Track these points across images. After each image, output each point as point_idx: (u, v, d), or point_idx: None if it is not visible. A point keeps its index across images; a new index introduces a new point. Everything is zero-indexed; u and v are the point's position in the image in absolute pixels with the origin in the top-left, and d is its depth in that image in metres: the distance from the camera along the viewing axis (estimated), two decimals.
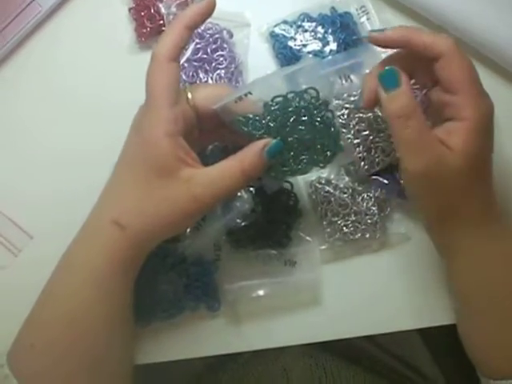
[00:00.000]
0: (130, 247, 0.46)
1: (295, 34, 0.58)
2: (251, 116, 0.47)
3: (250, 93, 0.47)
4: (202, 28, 0.57)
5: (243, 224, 0.54)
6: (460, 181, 0.45)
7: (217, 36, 0.58)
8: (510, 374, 0.48)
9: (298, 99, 0.47)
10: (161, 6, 0.58)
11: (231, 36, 0.58)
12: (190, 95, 0.47)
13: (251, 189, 0.55)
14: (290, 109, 0.47)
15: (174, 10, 0.57)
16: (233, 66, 0.57)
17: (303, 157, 0.48)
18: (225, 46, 0.58)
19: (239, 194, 0.55)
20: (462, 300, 0.51)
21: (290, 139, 0.47)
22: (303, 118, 0.47)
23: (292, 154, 0.47)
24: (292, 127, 0.47)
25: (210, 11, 0.47)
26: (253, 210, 0.54)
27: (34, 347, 0.46)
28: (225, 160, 0.46)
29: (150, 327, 0.55)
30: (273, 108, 0.47)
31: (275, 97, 0.47)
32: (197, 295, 0.55)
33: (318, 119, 0.47)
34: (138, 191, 0.45)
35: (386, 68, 0.45)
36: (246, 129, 0.47)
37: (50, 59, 0.60)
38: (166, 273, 0.54)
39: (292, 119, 0.47)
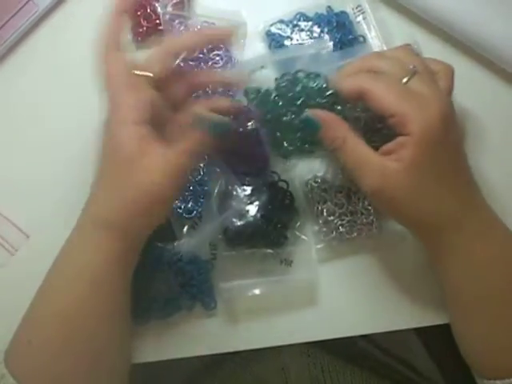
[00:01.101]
0: (117, 241, 0.46)
1: (291, 33, 0.58)
2: (262, 89, 0.48)
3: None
4: (198, 27, 0.57)
5: (239, 223, 0.54)
6: (418, 190, 0.45)
7: None
8: (503, 374, 0.48)
9: (306, 80, 0.48)
10: (157, 5, 0.58)
11: None
12: (148, 74, 0.48)
13: (247, 188, 0.55)
14: (297, 88, 0.48)
15: (170, 9, 0.57)
16: (229, 65, 0.57)
17: (309, 138, 0.49)
18: (221, 45, 0.58)
19: (235, 193, 0.55)
20: (451, 300, 0.51)
21: (296, 120, 0.48)
22: (311, 101, 0.48)
23: (299, 134, 0.48)
24: (299, 107, 0.48)
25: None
26: (249, 210, 0.54)
27: (31, 344, 0.46)
28: (175, 144, 0.47)
29: (147, 326, 0.55)
30: (281, 85, 0.47)
31: (284, 74, 0.48)
32: (193, 294, 0.55)
33: (325, 102, 0.49)
34: (110, 187, 0.47)
35: (301, 118, 0.49)
36: (254, 100, 0.48)
37: (46, 59, 0.60)
38: (162, 271, 0.54)
39: (300, 100, 0.48)
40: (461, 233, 0.47)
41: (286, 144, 0.49)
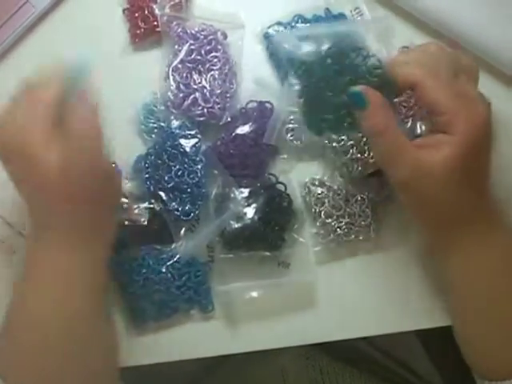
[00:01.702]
0: (72, 238, 0.46)
1: None
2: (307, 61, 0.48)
3: None
4: (196, 29, 0.57)
5: (237, 225, 0.54)
6: (449, 191, 0.45)
7: (211, 37, 0.57)
8: (504, 375, 0.48)
9: (354, 56, 0.48)
10: (155, 7, 0.58)
11: (225, 37, 0.58)
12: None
13: (245, 190, 0.55)
14: (346, 62, 0.47)
15: (167, 11, 0.57)
16: (227, 67, 0.57)
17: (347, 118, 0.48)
18: (219, 47, 0.57)
19: (232, 195, 0.55)
20: (454, 300, 0.51)
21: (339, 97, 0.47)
22: (360, 79, 0.47)
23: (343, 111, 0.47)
24: (346, 83, 0.47)
25: None
26: (246, 212, 0.54)
27: (4, 349, 0.46)
28: None
29: (144, 328, 0.55)
30: (328, 58, 0.47)
31: (330, 47, 0.48)
32: (190, 296, 0.55)
33: (374, 82, 0.47)
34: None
35: (351, 91, 0.46)
36: (299, 70, 0.48)
37: (43, 60, 0.60)
38: (160, 274, 0.54)
39: (348, 78, 0.47)
40: (471, 232, 0.47)
41: (322, 119, 0.47)
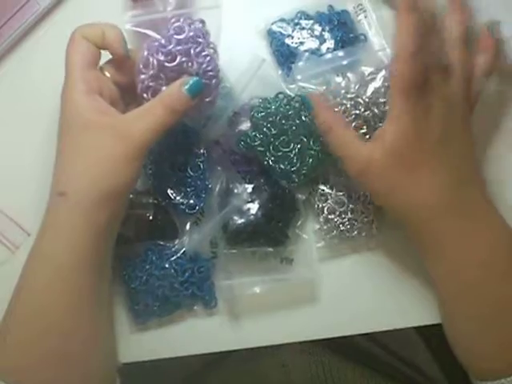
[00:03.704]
0: (79, 214, 0.46)
1: (292, 31, 0.57)
2: (250, 133, 0.53)
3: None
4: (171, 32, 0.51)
5: (240, 221, 0.54)
6: (398, 174, 0.47)
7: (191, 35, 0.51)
8: (494, 375, 0.48)
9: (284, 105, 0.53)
10: None
11: (204, 24, 0.53)
12: (107, 73, 0.51)
13: (248, 186, 0.55)
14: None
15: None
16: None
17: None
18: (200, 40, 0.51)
19: (236, 190, 0.55)
20: (439, 299, 0.52)
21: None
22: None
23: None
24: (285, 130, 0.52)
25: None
26: (250, 208, 0.54)
27: (6, 341, 0.47)
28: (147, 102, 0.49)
29: (147, 324, 0.55)
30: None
31: (259, 106, 0.53)
32: (193, 292, 0.55)
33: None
34: (69, 154, 0.47)
35: (302, 97, 0.53)
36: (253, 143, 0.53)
37: (48, 57, 0.60)
38: (163, 269, 0.54)
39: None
40: (446, 229, 0.47)
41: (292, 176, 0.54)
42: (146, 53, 0.50)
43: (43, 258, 0.47)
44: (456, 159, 0.48)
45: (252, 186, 0.55)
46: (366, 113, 0.53)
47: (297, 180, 0.53)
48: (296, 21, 0.58)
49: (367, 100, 0.53)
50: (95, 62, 0.50)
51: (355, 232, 0.55)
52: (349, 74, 0.55)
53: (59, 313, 0.47)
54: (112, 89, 0.51)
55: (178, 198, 0.55)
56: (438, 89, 0.47)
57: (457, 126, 0.48)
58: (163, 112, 0.47)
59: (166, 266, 0.54)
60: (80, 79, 0.47)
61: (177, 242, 0.55)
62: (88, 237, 0.46)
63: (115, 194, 0.47)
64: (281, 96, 0.54)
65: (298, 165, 0.53)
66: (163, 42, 0.50)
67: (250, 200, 0.54)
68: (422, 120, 0.46)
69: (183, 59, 0.50)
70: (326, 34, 0.57)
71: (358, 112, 0.53)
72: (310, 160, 0.53)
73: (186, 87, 0.48)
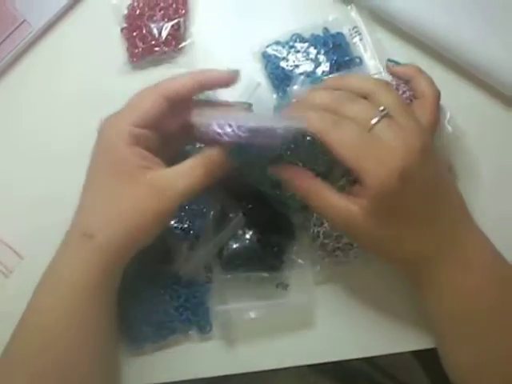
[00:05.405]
0: (101, 257, 0.46)
1: (287, 54, 0.58)
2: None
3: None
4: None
5: (235, 246, 0.54)
6: (376, 234, 0.46)
7: None
8: None
9: None
10: (153, 26, 0.58)
11: None
12: None
13: (243, 211, 0.54)
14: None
15: (166, 31, 0.57)
16: None
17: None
18: None
19: (231, 215, 0.54)
20: (435, 332, 0.52)
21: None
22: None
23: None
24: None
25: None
26: (245, 233, 0.54)
27: (8, 357, 0.46)
28: (188, 159, 0.47)
29: (141, 349, 0.55)
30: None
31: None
32: (188, 317, 0.54)
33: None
34: (102, 198, 0.47)
35: (270, 176, 0.50)
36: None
37: (41, 79, 0.60)
38: (158, 294, 0.54)
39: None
40: (437, 269, 0.47)
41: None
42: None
43: (55, 278, 0.48)
44: (444, 198, 0.47)
45: (247, 210, 0.54)
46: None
47: (292, 205, 0.53)
48: (291, 43, 0.58)
49: None
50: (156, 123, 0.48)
51: (351, 256, 0.55)
52: None
53: (69, 337, 0.47)
54: (152, 136, 0.49)
55: (172, 222, 0.54)
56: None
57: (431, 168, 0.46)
58: (204, 174, 0.46)
59: (161, 290, 0.54)
60: (131, 133, 0.46)
61: (172, 266, 0.55)
62: (103, 277, 0.47)
63: (142, 245, 0.48)
64: None
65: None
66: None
67: (245, 225, 0.54)
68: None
69: None
70: (322, 57, 0.57)
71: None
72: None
73: (231, 155, 0.47)
